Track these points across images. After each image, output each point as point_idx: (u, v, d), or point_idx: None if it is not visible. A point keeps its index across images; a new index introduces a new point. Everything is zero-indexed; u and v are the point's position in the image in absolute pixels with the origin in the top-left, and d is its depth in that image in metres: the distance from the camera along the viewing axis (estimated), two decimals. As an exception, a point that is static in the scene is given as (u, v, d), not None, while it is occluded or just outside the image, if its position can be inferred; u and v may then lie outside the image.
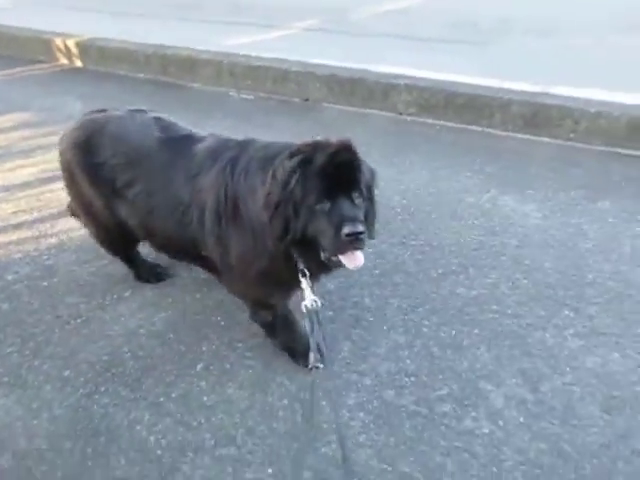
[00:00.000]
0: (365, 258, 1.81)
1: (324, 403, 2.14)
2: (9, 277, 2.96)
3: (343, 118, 4.60)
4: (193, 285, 2.82)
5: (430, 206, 3.36)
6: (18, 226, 3.41)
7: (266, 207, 1.85)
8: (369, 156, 1.98)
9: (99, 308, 2.71)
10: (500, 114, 4.11)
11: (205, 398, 2.23)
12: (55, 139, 4.39)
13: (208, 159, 2.12)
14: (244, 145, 2.10)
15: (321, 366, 1.84)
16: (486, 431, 2.06)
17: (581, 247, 2.96)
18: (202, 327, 2.57)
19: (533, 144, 4.04)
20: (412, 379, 2.27)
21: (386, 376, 2.29)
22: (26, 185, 3.86)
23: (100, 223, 2.55)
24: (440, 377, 2.28)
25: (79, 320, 2.65)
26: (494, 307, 2.60)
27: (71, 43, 6.16)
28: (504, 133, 4.20)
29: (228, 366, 2.37)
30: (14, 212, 3.56)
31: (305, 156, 1.78)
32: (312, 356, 1.83)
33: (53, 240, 3.24)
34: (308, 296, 1.92)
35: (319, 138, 1.84)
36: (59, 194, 3.66)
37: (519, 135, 4.14)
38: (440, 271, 2.84)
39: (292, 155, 1.82)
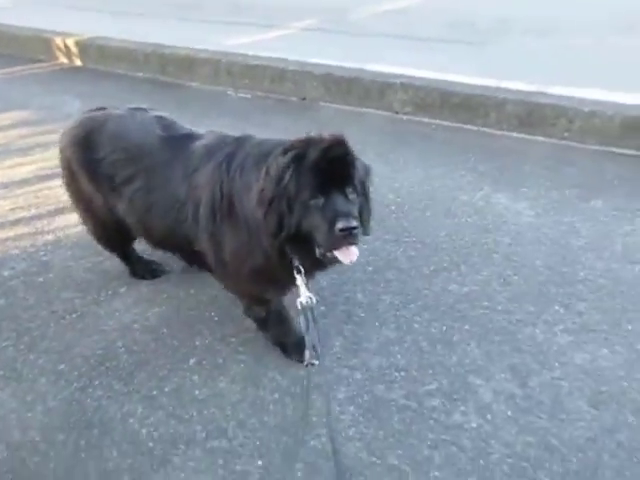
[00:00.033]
0: (359, 254, 1.82)
1: (315, 397, 2.16)
2: (5, 273, 2.99)
3: (339, 117, 4.64)
4: (187, 281, 2.85)
5: (424, 204, 3.38)
6: (15, 223, 3.44)
7: (260, 203, 1.86)
8: (364, 154, 2.00)
9: (94, 303, 2.74)
10: (495, 113, 4.14)
11: (197, 392, 2.25)
12: (54, 137, 4.45)
13: (205, 156, 2.14)
14: (240, 141, 2.12)
15: (316, 363, 1.85)
16: (474, 425, 2.08)
17: (573, 245, 2.98)
18: (195, 322, 2.59)
19: (528, 143, 4.06)
20: (402, 374, 2.29)
21: (377, 371, 2.31)
22: (24, 182, 3.89)
23: (98, 220, 2.58)
24: (430, 372, 2.30)
25: (74, 315, 2.67)
26: (485, 303, 2.62)
27: (71, 42, 6.20)
28: (499, 132, 4.22)
29: (220, 360, 2.39)
30: (12, 209, 3.60)
31: (298, 152, 1.79)
32: (307, 353, 1.83)
33: (50, 237, 3.27)
34: (303, 293, 1.92)
35: (312, 134, 1.85)
36: (57, 191, 3.69)
37: (514, 134, 4.17)
38: (432, 268, 2.86)
39: (286, 151, 1.83)
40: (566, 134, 3.96)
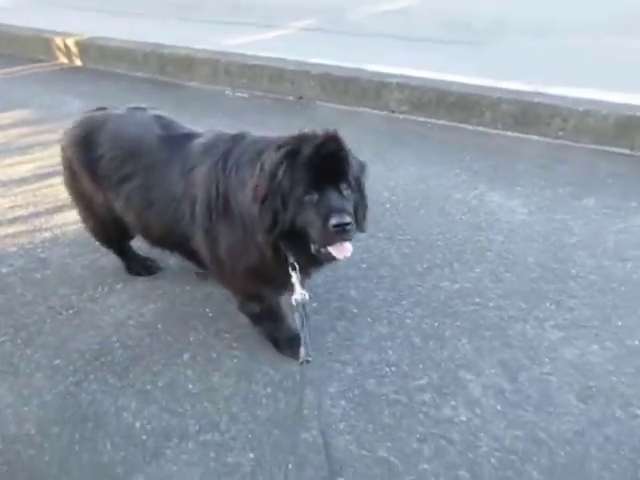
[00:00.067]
0: (353, 251, 1.84)
1: (307, 391, 2.18)
2: (3, 269, 3.02)
3: (336, 116, 4.67)
4: (183, 278, 2.88)
5: (418, 202, 3.41)
6: (14, 220, 3.47)
7: (254, 200, 1.88)
8: (360, 153, 2.02)
9: (90, 300, 2.77)
10: (490, 112, 4.17)
11: (191, 386, 2.28)
12: (53, 136, 4.51)
13: (202, 154, 2.17)
14: (236, 139, 2.14)
15: (311, 359, 1.86)
16: (463, 419, 2.10)
17: (565, 242, 3.00)
18: (190, 318, 2.62)
19: (522, 142, 4.09)
20: (393, 369, 2.32)
21: (368, 366, 2.34)
22: (23, 181, 3.93)
23: (98, 218, 2.62)
24: (421, 367, 2.33)
25: (70, 311, 2.70)
26: (477, 300, 2.65)
27: (71, 42, 6.24)
28: (494, 131, 4.25)
29: (214, 355, 2.42)
30: (11, 207, 3.63)
31: (292, 148, 1.80)
32: (302, 350, 1.83)
33: (47, 234, 3.31)
34: (297, 289, 1.93)
35: (306, 130, 1.86)
36: (55, 190, 3.73)
37: (509, 133, 4.20)
38: (425, 265, 2.89)
39: (279, 147, 1.85)
40: (560, 133, 3.98)
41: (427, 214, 3.30)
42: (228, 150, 2.10)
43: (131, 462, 2.00)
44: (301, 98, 5.00)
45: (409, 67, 4.79)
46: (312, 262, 1.99)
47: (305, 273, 2.07)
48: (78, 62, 6.34)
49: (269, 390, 2.25)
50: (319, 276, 2.75)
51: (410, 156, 3.96)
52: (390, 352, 2.39)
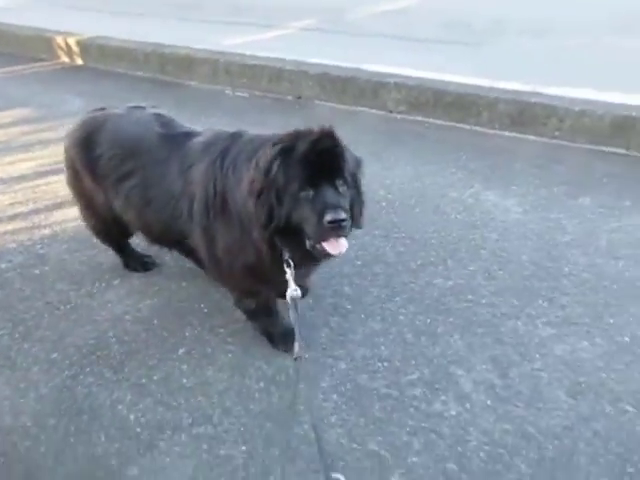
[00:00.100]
0: (348, 249, 1.85)
1: (299, 386, 2.20)
2: (2, 265, 3.05)
3: (334, 116, 4.69)
4: (179, 274, 2.91)
5: (414, 200, 3.44)
6: (13, 217, 3.51)
7: (250, 194, 1.89)
8: (357, 152, 2.02)
9: (87, 295, 2.80)
10: (487, 112, 4.19)
11: (185, 380, 2.31)
12: (54, 135, 4.56)
13: (201, 152, 2.19)
14: (234, 138, 2.16)
15: (306, 356, 1.85)
16: (454, 413, 2.13)
17: (559, 240, 3.03)
18: (186, 314, 2.65)
19: (519, 142, 4.11)
20: (385, 364, 2.34)
21: (361, 361, 2.36)
22: (23, 178, 3.97)
23: (99, 217, 2.65)
24: (413, 362, 2.35)
25: (68, 306, 2.74)
26: (469, 297, 2.67)
27: (72, 41, 6.28)
28: (491, 131, 4.27)
29: (209, 350, 2.45)
30: (10, 204, 3.67)
31: (287, 144, 1.82)
32: (297, 346, 1.81)
33: (46, 231, 3.34)
34: (291, 285, 1.93)
35: (302, 127, 1.87)
36: (54, 187, 3.78)
37: (506, 133, 4.22)
38: (419, 262, 2.91)
39: (275, 144, 1.86)
40: (557, 133, 4.01)
41: (422, 212, 3.32)
42: (226, 148, 2.12)
43: (125, 454, 2.03)
44: (300, 98, 5.03)
45: (408, 67, 4.82)
46: (307, 258, 1.99)
47: (301, 270, 2.07)
48: (79, 61, 6.38)
49: (262, 384, 2.28)
50: (314, 273, 2.79)
51: (407, 155, 3.98)
52: (383, 348, 2.42)
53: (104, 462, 2.01)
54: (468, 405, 2.16)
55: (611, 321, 2.51)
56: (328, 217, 1.72)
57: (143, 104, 2.61)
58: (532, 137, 4.13)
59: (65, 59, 6.47)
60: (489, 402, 2.17)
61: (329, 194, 1.77)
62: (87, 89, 5.59)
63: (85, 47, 6.21)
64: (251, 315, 2.45)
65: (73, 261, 3.06)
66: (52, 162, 4.12)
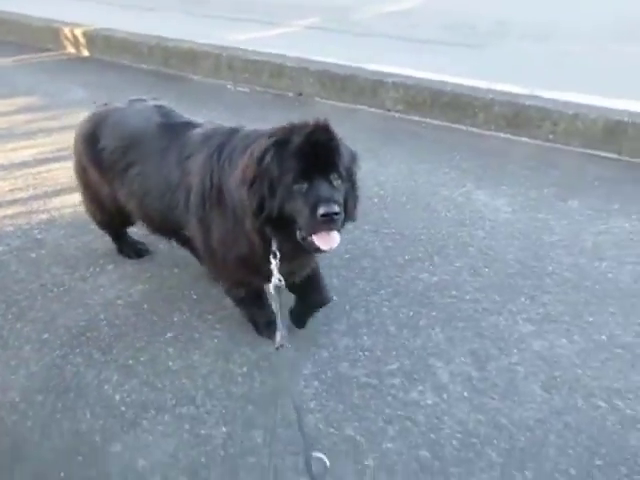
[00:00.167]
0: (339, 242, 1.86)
1: (281, 372, 2.26)
2: (0, 248, 3.12)
3: (334, 113, 4.74)
4: (172, 261, 2.97)
5: (405, 197, 3.49)
6: (13, 202, 3.58)
7: (243, 182, 1.92)
8: (354, 149, 2.05)
9: (81, 279, 2.87)
10: (483, 114, 4.24)
11: (171, 363, 2.38)
12: (56, 123, 4.65)
13: (199, 144, 2.24)
14: (232, 132, 2.21)
15: (289, 346, 1.89)
16: (430, 402, 2.18)
17: (545, 240, 3.08)
18: (176, 300, 2.72)
19: (513, 143, 4.17)
20: (367, 354, 2.40)
21: (343, 350, 2.42)
22: (24, 165, 4.04)
23: (104, 208, 2.74)
24: (394, 353, 2.41)
25: (61, 289, 2.81)
26: (453, 292, 2.73)
27: (79, 32, 6.36)
28: (487, 132, 4.32)
29: (196, 335, 2.51)
30: (11, 190, 3.74)
31: (282, 136, 1.84)
32: (279, 335, 1.85)
33: (44, 216, 3.41)
34: (275, 275, 1.95)
35: (297, 121, 1.90)
36: (55, 174, 3.85)
37: (501, 134, 4.27)
38: (407, 257, 2.97)
39: (270, 136, 1.89)
40: (551, 136, 4.05)
41: (413, 209, 3.38)
42: (224, 142, 2.16)
43: (109, 431, 2.10)
44: (301, 94, 5.09)
45: (410, 68, 4.86)
46: (297, 250, 1.99)
47: (293, 264, 2.11)
48: (85, 52, 6.46)
49: (245, 369, 2.34)
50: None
51: (402, 153, 4.04)
52: (365, 338, 2.48)
53: (88, 438, 2.07)
54: (445, 395, 2.21)
55: (590, 320, 2.56)
56: (321, 210, 1.73)
57: (145, 97, 2.68)
58: (526, 139, 4.18)
59: (72, 50, 6.55)
60: (465, 393, 2.22)
61: (323, 187, 1.78)
62: (92, 80, 5.66)
63: (91, 38, 6.28)
64: (239, 303, 2.50)
65: (69, 246, 3.13)
66: (54, 150, 4.21)
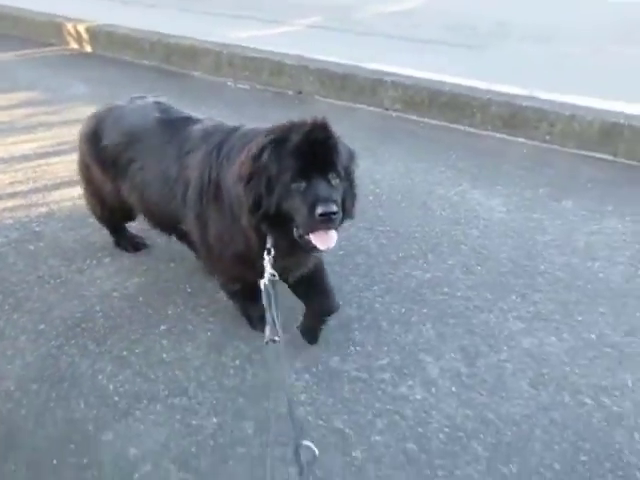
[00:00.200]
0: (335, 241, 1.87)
1: (273, 365, 2.29)
2: (-2, 240, 3.16)
3: (333, 111, 4.77)
4: (168, 255, 3.01)
5: (401, 196, 3.52)
6: (13, 195, 3.61)
7: (239, 178, 1.94)
8: (352, 147, 2.07)
9: (78, 271, 2.91)
10: (480, 114, 4.27)
11: (165, 355, 2.41)
12: (57, 118, 4.68)
13: (199, 140, 2.27)
14: (233, 131, 2.23)
15: (277, 340, 1.90)
16: (418, 397, 2.22)
17: (538, 240, 3.10)
18: (171, 293, 2.75)
19: (510, 144, 4.19)
20: (358, 348, 2.43)
21: (334, 345, 2.45)
22: (24, 158, 4.07)
23: (105, 205, 2.80)
24: (385, 349, 2.44)
25: (58, 280, 2.84)
26: (445, 289, 2.76)
27: (81, 28, 6.38)
28: (484, 132, 4.34)
29: (190, 328, 2.55)
30: (11, 182, 3.77)
31: (280, 134, 1.86)
32: (268, 330, 1.83)
33: (43, 209, 3.45)
34: (267, 270, 1.94)
35: (296, 119, 1.91)
36: (54, 167, 3.89)
37: (498, 135, 4.29)
38: (400, 255, 3.00)
39: (268, 134, 1.91)
40: (548, 137, 4.08)
41: (408, 208, 3.41)
42: (222, 141, 2.19)
43: (102, 420, 2.13)
44: (300, 93, 5.12)
45: (411, 68, 4.88)
46: (294, 248, 2.00)
47: (290, 261, 2.12)
48: (88, 48, 6.48)
49: (238, 362, 2.37)
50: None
51: (399, 152, 4.06)
52: (357, 333, 2.51)
53: (81, 426, 2.11)
54: (433, 390, 2.24)
55: (580, 318, 2.59)
56: (319, 210, 1.73)
57: (144, 94, 2.73)
58: (523, 140, 4.20)
59: (74, 45, 6.57)
60: (454, 389, 2.25)
61: (321, 187, 1.79)
62: (93, 75, 5.69)
63: (94, 34, 6.31)
64: (233, 296, 2.53)
65: (67, 239, 3.16)
66: (54, 144, 4.24)
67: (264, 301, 1.91)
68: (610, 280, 2.82)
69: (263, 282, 1.92)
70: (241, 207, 1.98)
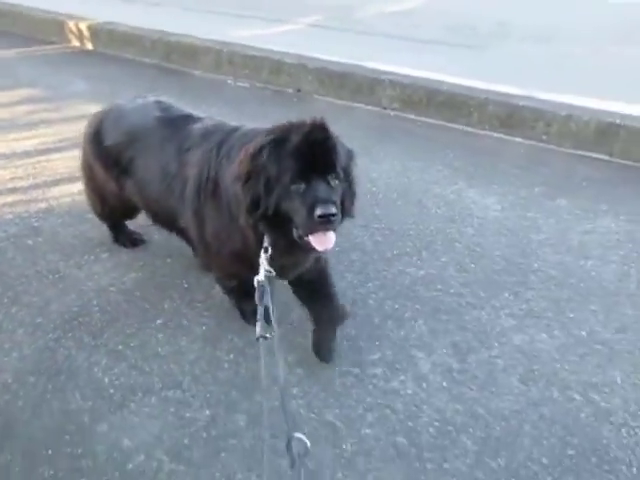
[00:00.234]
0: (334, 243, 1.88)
1: (266, 359, 2.32)
2: (-2, 235, 3.20)
3: (331, 110, 4.80)
4: (165, 251, 3.04)
5: (397, 194, 3.55)
6: (13, 191, 3.65)
7: (238, 178, 1.95)
8: (349, 146, 2.06)
9: (76, 266, 2.94)
10: (477, 113, 4.29)
11: (160, 349, 2.44)
12: (58, 115, 4.72)
13: (199, 138, 2.30)
14: (233, 130, 2.25)
15: (268, 336, 1.90)
16: (409, 392, 2.24)
17: (532, 239, 3.13)
18: (167, 288, 2.78)
19: (506, 143, 4.22)
20: (350, 343, 2.46)
21: (327, 340, 2.48)
22: (25, 154, 4.10)
23: (107, 203, 2.83)
24: (377, 344, 2.47)
25: (57, 275, 2.87)
26: (439, 286, 2.79)
27: (83, 26, 6.41)
28: (481, 132, 4.37)
29: (185, 322, 2.58)
30: (11, 178, 3.80)
31: (278, 134, 1.86)
32: (259, 326, 1.82)
33: (43, 204, 3.48)
34: (263, 268, 1.95)
35: (295, 118, 1.91)
36: (55, 164, 3.92)
37: (495, 134, 4.32)
38: (395, 252, 3.03)
39: (267, 134, 1.91)
40: (544, 137, 4.10)
41: (404, 206, 3.44)
42: (223, 139, 2.21)
43: (97, 411, 2.16)
44: (299, 91, 5.15)
45: (410, 68, 4.91)
46: (292, 248, 2.00)
47: (289, 260, 2.13)
48: (89, 46, 6.52)
49: (232, 356, 2.40)
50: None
51: (396, 151, 4.09)
52: (350, 328, 2.53)
53: (76, 418, 2.14)
54: (424, 385, 2.27)
55: (572, 316, 2.62)
56: (318, 211, 1.73)
57: (146, 93, 2.77)
58: (520, 139, 4.23)
59: (76, 43, 6.61)
60: (445, 384, 2.28)
61: (321, 188, 1.78)
62: (94, 73, 5.72)
63: (95, 32, 6.34)
64: (229, 291, 2.56)
65: (66, 234, 3.19)
66: (54, 140, 4.28)
67: (256, 297, 1.91)
68: (602, 279, 2.85)
69: (257, 278, 1.93)
70: (239, 206, 1.99)
